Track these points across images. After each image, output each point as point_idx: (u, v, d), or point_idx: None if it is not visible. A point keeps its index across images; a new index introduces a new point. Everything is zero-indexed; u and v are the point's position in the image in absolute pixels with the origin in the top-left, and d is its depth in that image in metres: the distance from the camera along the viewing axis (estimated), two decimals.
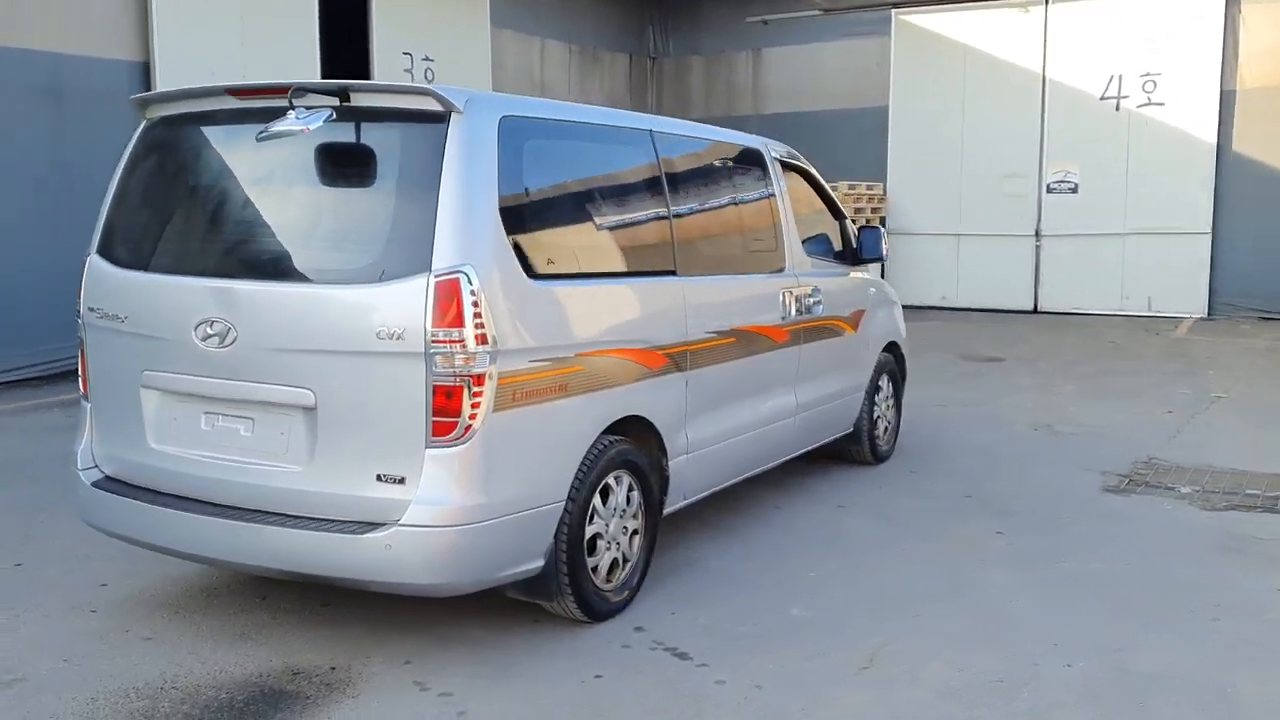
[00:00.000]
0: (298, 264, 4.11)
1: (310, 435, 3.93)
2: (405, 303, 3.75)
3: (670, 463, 4.87)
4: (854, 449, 7.05)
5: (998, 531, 5.79)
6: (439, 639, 4.30)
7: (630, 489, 4.60)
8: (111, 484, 4.40)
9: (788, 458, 6.18)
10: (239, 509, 4.04)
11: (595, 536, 4.41)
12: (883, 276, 8.97)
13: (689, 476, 5.04)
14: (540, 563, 4.14)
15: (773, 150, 6.14)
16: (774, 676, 4.01)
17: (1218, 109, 14.69)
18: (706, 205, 5.52)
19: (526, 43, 16.45)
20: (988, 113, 15.97)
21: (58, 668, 4.07)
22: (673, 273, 4.94)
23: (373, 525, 3.82)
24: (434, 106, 3.90)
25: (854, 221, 15.22)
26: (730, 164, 5.83)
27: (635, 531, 4.64)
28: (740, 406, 5.45)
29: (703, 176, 5.54)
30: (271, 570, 4.17)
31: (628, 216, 4.88)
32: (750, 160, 5.93)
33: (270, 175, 4.26)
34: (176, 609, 4.62)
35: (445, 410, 3.76)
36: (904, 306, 7.87)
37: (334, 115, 3.93)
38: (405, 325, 3.75)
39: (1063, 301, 15.71)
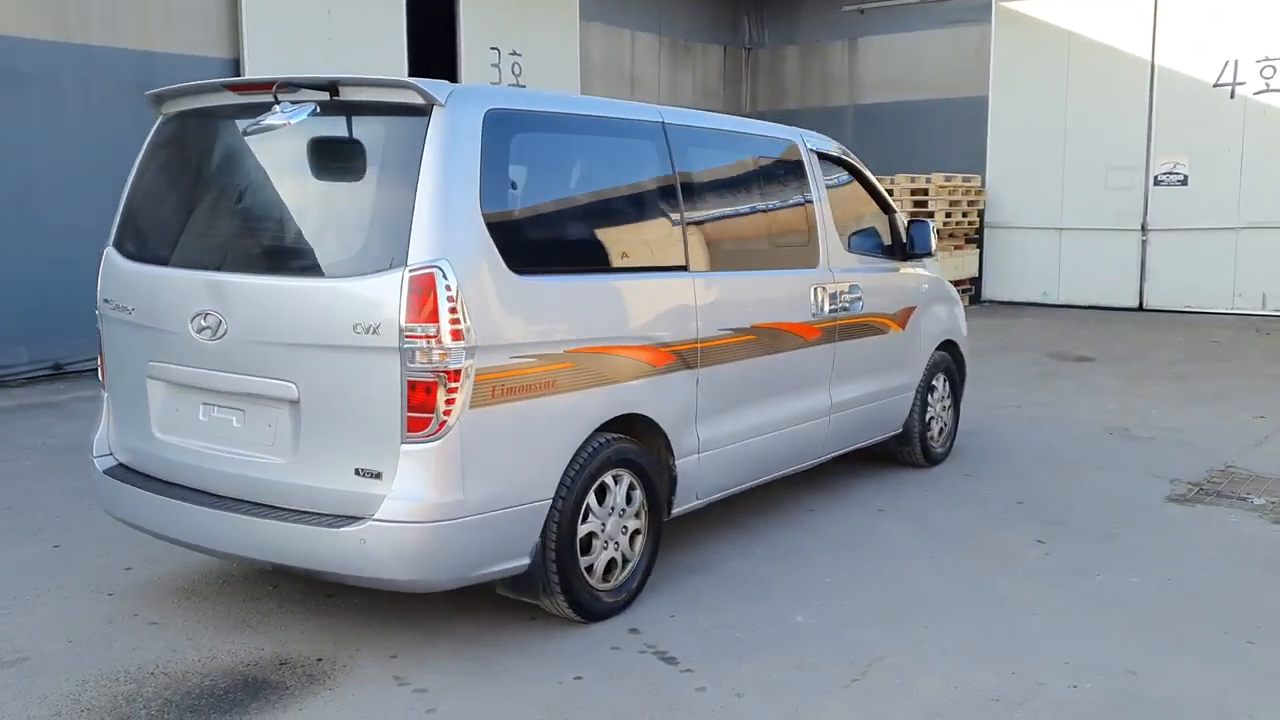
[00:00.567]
0: (284, 257, 4.15)
1: (295, 428, 3.96)
2: (381, 297, 3.74)
3: (678, 462, 4.76)
4: (905, 451, 6.82)
5: (1038, 541, 5.51)
6: (428, 634, 4.29)
7: (631, 488, 4.51)
8: (123, 471, 4.52)
9: (823, 459, 5.99)
10: (231, 499, 4.09)
11: (590, 536, 4.34)
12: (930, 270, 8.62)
13: (700, 477, 4.92)
14: (525, 561, 4.09)
15: (809, 142, 5.94)
16: (758, 685, 3.88)
17: None
18: (726, 200, 5.36)
19: (616, 35, 16.42)
20: (1092, 102, 15.32)
21: (61, 649, 4.19)
22: (683, 268, 4.82)
23: (350, 519, 3.82)
24: (416, 100, 3.88)
25: (947, 215, 15.05)
26: (758, 157, 5.66)
27: (637, 532, 4.56)
28: (762, 405, 5.30)
29: (723, 171, 5.38)
30: (261, 562, 4.22)
31: (629, 211, 4.77)
32: (783, 153, 5.75)
33: (263, 169, 4.30)
34: (188, 595, 4.72)
35: (420, 406, 3.74)
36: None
37: (319, 110, 3.94)
38: (381, 319, 3.74)
39: (1170, 299, 15.00)
